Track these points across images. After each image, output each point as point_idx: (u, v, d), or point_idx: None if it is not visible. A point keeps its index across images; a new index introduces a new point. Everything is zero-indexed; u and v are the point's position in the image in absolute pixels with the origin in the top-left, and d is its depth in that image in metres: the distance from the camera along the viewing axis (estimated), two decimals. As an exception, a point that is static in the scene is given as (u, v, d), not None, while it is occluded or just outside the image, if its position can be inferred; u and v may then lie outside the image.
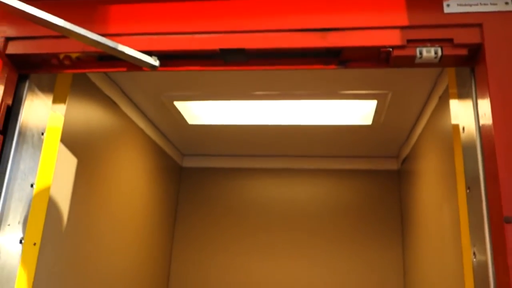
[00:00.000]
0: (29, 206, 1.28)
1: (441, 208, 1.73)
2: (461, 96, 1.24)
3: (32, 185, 1.30)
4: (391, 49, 1.09)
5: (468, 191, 1.11)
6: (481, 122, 1.06)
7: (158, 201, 2.53)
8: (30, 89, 1.31)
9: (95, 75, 1.79)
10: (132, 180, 2.18)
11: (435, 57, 1.07)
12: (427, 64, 1.11)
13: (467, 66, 1.11)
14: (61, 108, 1.48)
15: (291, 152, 2.78)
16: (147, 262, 2.38)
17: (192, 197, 2.85)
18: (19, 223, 1.24)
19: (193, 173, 2.91)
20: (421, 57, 1.08)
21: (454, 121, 1.34)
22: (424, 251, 2.06)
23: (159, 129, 2.51)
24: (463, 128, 1.20)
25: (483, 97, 1.06)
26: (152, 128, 2.43)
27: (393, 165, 2.75)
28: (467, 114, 1.16)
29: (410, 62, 1.10)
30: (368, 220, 2.66)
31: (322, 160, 2.81)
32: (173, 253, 2.75)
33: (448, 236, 1.58)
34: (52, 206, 1.46)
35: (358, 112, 2.16)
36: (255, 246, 2.70)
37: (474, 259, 1.05)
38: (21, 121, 1.27)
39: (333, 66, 1.16)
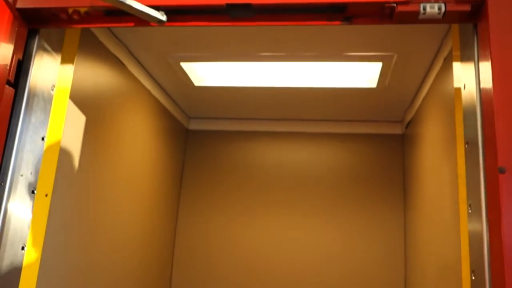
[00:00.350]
0: (41, 158, 1.33)
1: (442, 168, 1.77)
2: (463, 58, 1.25)
3: (43, 138, 1.35)
4: (395, 5, 1.10)
5: (466, 146, 1.14)
6: (482, 77, 1.09)
7: (164, 162, 2.58)
8: (40, 44, 1.33)
9: (102, 34, 1.81)
10: (138, 141, 2.23)
11: (439, 13, 1.09)
12: (431, 20, 1.12)
13: (470, 22, 1.12)
14: (70, 65, 1.51)
15: (296, 115, 2.81)
16: (153, 220, 2.45)
17: (198, 159, 2.90)
18: (31, 174, 1.29)
19: (199, 136, 2.95)
20: (424, 13, 1.09)
21: (456, 83, 1.36)
22: (424, 211, 2.10)
23: (166, 91, 2.54)
24: (464, 86, 1.22)
25: (484, 55, 1.08)
26: (159, 90, 2.45)
27: (397, 130, 2.77)
28: (469, 74, 1.18)
29: (413, 18, 1.11)
30: (371, 183, 2.71)
31: (326, 124, 2.84)
32: (179, 214, 2.82)
33: (447, 194, 1.62)
34: (62, 160, 1.51)
35: (363, 74, 2.17)
36: (259, 208, 2.76)
37: (470, 211, 1.09)
38: (31, 75, 1.30)
39: (337, 22, 1.17)
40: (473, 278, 1.04)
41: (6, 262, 1.19)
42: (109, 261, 1.93)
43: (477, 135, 1.07)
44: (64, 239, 1.57)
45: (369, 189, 2.70)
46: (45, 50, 1.36)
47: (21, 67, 1.30)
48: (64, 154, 1.54)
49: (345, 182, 2.73)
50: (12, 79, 1.25)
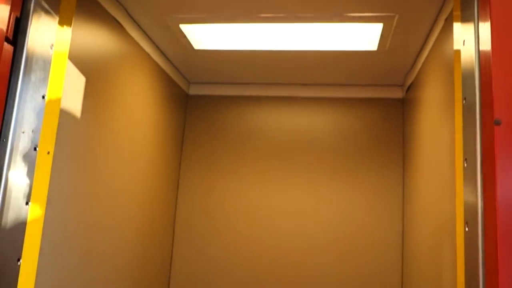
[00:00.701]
0: (42, 116, 1.34)
1: (441, 130, 1.78)
2: (464, 18, 1.24)
3: (43, 97, 1.35)
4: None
5: (464, 101, 1.15)
6: (481, 37, 1.09)
7: (164, 127, 2.59)
8: (37, 2, 1.33)
9: (100, -6, 1.79)
10: (139, 104, 2.23)
11: (439, -34, 1.07)
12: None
13: (470, -24, 1.11)
14: (68, 24, 1.50)
15: (296, 80, 2.80)
16: (154, 184, 2.48)
17: (199, 124, 2.91)
18: (33, 131, 1.31)
19: (200, 101, 2.95)
20: (425, -34, 1.08)
21: (456, 43, 1.35)
22: (422, 171, 2.12)
23: (165, 55, 2.53)
24: (464, 43, 1.21)
25: (484, 14, 1.07)
26: (158, 53, 2.44)
27: (398, 94, 2.77)
28: (469, 34, 1.17)
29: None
30: (371, 148, 2.72)
31: (326, 88, 2.83)
32: (181, 178, 2.85)
33: (445, 153, 1.63)
34: (63, 119, 1.52)
35: (364, 36, 2.16)
36: (260, 172, 2.79)
37: (465, 165, 1.10)
38: (29, 33, 1.30)
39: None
40: (467, 229, 1.07)
41: (11, 217, 1.21)
42: (112, 219, 1.97)
43: (474, 90, 1.08)
44: (67, 196, 1.59)
45: (369, 152, 2.72)
46: (42, 8, 1.35)
47: (19, 26, 1.30)
48: (64, 114, 1.55)
49: (346, 146, 2.75)
50: (10, 36, 1.25)
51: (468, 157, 1.08)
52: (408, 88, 2.58)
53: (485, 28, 1.07)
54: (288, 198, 2.74)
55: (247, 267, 2.70)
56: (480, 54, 1.10)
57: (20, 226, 1.24)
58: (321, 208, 2.70)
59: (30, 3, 1.31)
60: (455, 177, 1.27)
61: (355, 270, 2.61)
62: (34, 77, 1.31)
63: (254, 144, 2.83)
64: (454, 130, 1.46)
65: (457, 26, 1.37)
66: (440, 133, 1.78)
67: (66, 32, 1.48)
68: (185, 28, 2.18)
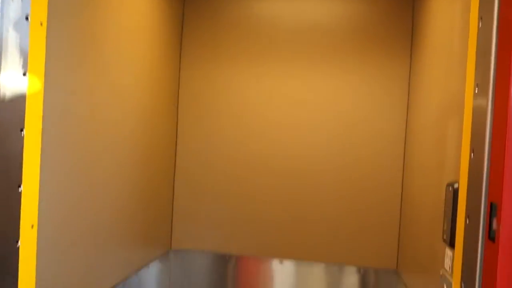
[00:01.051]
0: (31, -17, 1.26)
1: (454, 9, 1.69)
2: None
3: (31, -39, 1.26)
4: None
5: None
6: None
7: (162, 18, 2.48)
8: None
9: None
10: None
11: None
12: None
13: None
14: None
15: (301, -39, 2.63)
16: (155, 78, 2.43)
17: (198, 15, 2.79)
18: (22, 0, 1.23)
19: (199, -13, 2.80)
20: None
21: None
22: (431, 55, 2.06)
23: None
24: None
25: None
26: None
27: (408, -24, 2.61)
28: None
29: None
30: (380, 35, 2.63)
31: (333, -29, 2.67)
32: (181, 71, 2.79)
33: (456, 27, 1.56)
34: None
35: None
36: (264, 63, 2.72)
37: (480, 24, 1.05)
38: None
39: None
40: (476, 91, 1.04)
41: (9, 87, 1.19)
42: (114, 96, 1.94)
43: None
44: (66, 68, 1.54)
45: (377, 40, 2.63)
46: None
47: None
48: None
49: (352, 34, 2.65)
50: None
51: (484, 14, 1.02)
52: (420, -32, 2.42)
53: None
54: (291, 88, 2.71)
55: (249, 158, 2.74)
56: None
57: (20, 97, 1.22)
58: (325, 99, 2.68)
59: None
60: (467, 46, 1.22)
61: (357, 159, 2.65)
62: None
63: (257, 31, 2.73)
64: (469, 4, 1.38)
65: None
66: (453, 11, 1.69)
67: None
68: None
